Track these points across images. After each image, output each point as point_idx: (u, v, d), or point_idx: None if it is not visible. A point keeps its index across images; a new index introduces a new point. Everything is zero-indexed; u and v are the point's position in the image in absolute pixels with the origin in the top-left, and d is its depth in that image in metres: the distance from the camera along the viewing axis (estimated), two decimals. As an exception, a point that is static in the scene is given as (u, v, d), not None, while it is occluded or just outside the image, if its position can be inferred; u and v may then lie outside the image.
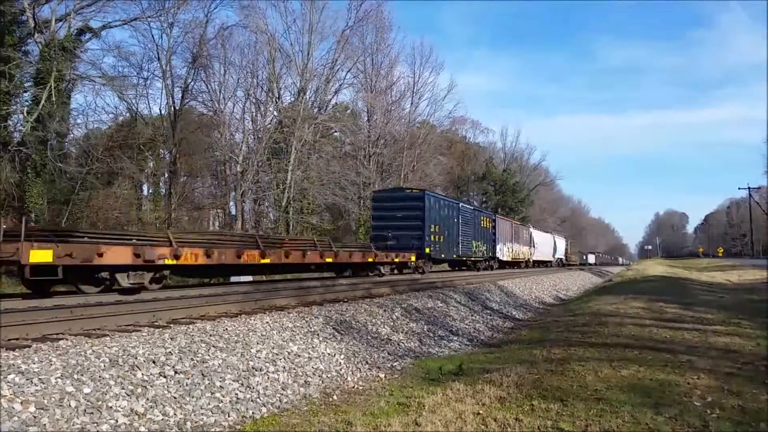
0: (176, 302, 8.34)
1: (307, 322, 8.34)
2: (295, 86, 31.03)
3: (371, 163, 33.61)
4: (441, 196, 24.83)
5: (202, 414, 5.03)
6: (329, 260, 14.44)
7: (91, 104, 34.24)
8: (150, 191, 29.38)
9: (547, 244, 46.95)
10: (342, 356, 7.62)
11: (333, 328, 8.53)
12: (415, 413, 5.09)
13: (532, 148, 68.02)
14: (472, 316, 13.33)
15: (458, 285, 16.50)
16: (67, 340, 5.64)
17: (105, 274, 8.90)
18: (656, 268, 42.40)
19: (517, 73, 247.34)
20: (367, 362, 7.78)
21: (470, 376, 6.54)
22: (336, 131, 33.70)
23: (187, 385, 5.33)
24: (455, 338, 10.91)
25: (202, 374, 5.62)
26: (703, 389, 5.48)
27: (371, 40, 34.31)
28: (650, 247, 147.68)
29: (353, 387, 6.68)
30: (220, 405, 5.28)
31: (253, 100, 30.22)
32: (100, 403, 4.54)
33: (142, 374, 5.18)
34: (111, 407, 4.55)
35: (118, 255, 8.75)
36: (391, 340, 9.36)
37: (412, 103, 38.67)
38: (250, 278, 15.82)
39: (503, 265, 33.02)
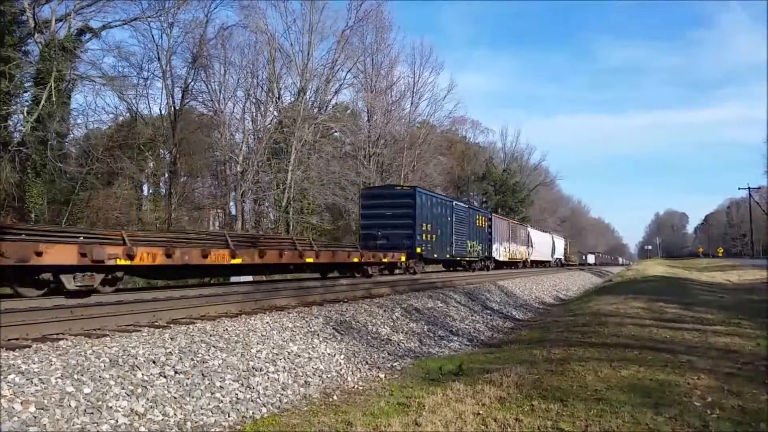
0: (176, 302, 8.33)
1: (307, 322, 8.35)
2: (295, 86, 31.15)
3: (371, 163, 33.62)
4: (433, 194, 23.82)
5: (202, 414, 5.03)
6: (309, 260, 13.55)
7: (91, 104, 34.44)
8: (150, 191, 29.45)
9: (545, 244, 46.76)
10: (342, 356, 7.62)
11: (333, 328, 8.53)
12: (415, 413, 5.09)
13: (532, 148, 68.37)
14: (472, 316, 13.33)
15: (458, 285, 16.50)
16: (67, 340, 5.64)
17: (48, 276, 8.16)
18: (656, 268, 42.41)
19: (517, 73, 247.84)
20: (367, 362, 7.78)
21: (470, 376, 6.54)
22: (336, 131, 33.72)
23: (187, 385, 5.33)
24: (455, 338, 10.91)
25: (202, 374, 5.63)
26: (703, 389, 5.48)
27: (371, 40, 34.43)
28: (650, 247, 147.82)
29: (353, 387, 6.68)
30: (220, 405, 5.28)
31: (253, 100, 30.30)
32: (100, 403, 4.54)
33: (142, 374, 5.18)
34: (111, 407, 4.55)
35: (60, 254, 7.97)
36: (391, 340, 9.36)
37: (412, 103, 38.76)
38: (250, 278, 15.83)
39: (500, 265, 32.44)
